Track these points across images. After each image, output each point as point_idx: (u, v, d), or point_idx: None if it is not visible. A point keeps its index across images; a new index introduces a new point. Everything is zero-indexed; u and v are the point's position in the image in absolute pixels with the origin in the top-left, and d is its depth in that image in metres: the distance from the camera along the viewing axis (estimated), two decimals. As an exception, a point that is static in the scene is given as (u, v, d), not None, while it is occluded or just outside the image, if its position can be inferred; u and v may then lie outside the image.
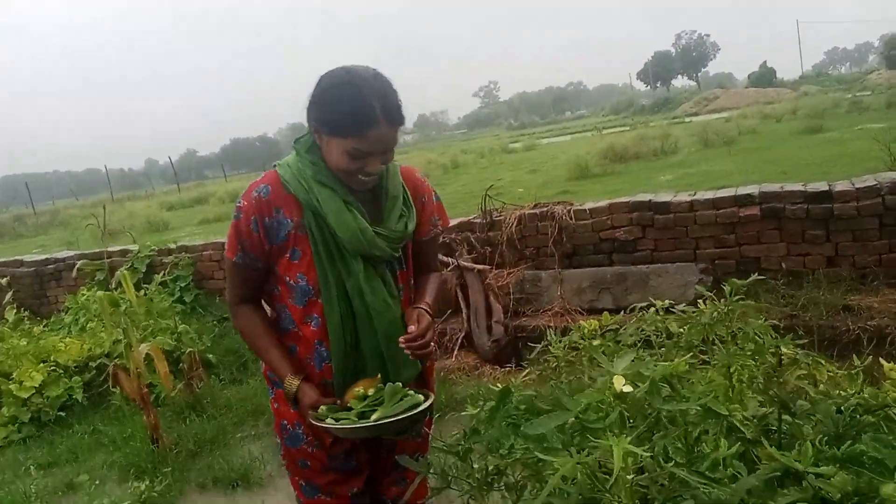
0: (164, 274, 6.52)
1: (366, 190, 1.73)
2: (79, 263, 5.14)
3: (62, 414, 4.86)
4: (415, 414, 1.65)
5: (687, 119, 34.10)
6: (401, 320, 1.80)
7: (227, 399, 4.69)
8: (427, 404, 1.69)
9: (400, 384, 1.72)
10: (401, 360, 1.79)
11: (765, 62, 63.82)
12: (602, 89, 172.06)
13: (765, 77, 60.61)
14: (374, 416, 1.63)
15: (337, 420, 1.66)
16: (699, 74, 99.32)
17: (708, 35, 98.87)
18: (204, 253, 6.75)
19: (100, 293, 3.99)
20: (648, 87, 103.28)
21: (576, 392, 1.48)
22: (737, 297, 2.65)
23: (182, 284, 6.52)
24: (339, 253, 1.71)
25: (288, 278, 1.74)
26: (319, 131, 1.64)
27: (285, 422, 1.89)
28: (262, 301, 1.89)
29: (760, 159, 12.25)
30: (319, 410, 1.68)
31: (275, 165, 1.75)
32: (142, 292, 5.92)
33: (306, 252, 1.72)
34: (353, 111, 1.55)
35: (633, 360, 1.54)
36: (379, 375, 1.76)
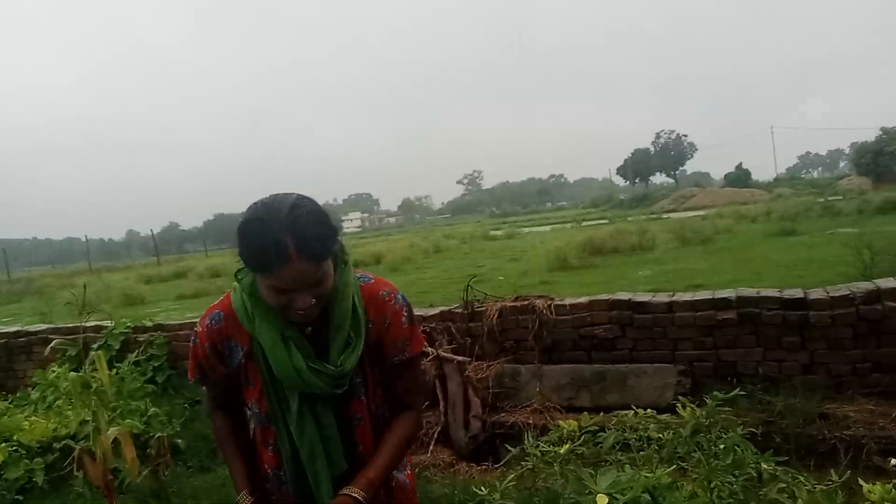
0: (138, 353, 6.41)
1: (310, 321, 1.63)
2: (53, 342, 5.04)
3: (20, 498, 4.66)
4: None
5: (665, 215, 34.93)
6: (331, 463, 1.68)
7: (194, 489, 4.53)
8: None
9: None
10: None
11: (740, 163, 66.03)
12: (582, 182, 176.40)
13: (740, 178, 62.57)
14: None
15: None
16: (677, 172, 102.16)
17: (686, 135, 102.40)
18: (180, 332, 6.66)
19: (72, 374, 3.90)
20: (627, 182, 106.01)
21: (557, 508, 1.47)
22: (715, 404, 2.68)
23: (155, 364, 6.40)
24: (281, 387, 1.65)
25: (248, 401, 1.74)
26: (248, 268, 1.57)
27: None
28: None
29: (735, 259, 12.51)
30: None
31: (233, 287, 1.70)
32: (114, 370, 5.79)
33: (257, 381, 1.68)
34: (261, 248, 1.45)
35: (615, 477, 1.56)
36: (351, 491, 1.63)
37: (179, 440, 5.15)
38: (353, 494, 1.60)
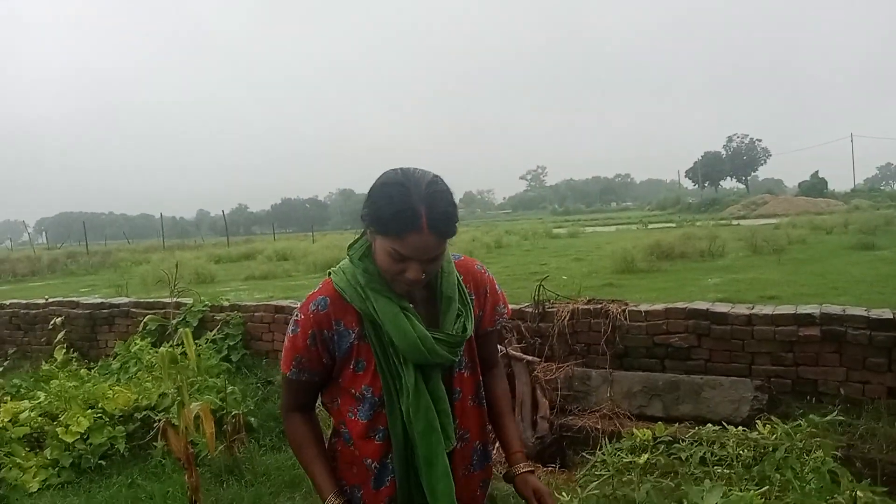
0: (215, 331, 6.64)
1: (421, 292, 1.70)
2: (147, 318, 5.27)
3: (102, 462, 4.90)
4: None
5: (734, 222, 33.93)
6: (446, 437, 1.68)
7: (266, 466, 4.68)
8: None
9: None
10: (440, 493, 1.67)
11: (816, 172, 63.57)
12: (649, 183, 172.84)
13: (815, 187, 60.29)
14: None
15: None
16: (748, 178, 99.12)
17: (760, 140, 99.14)
18: (255, 314, 6.87)
19: (162, 349, 4.08)
20: (696, 185, 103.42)
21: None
22: (807, 426, 2.61)
23: (231, 343, 6.62)
24: (398, 362, 1.65)
25: (353, 390, 1.68)
26: (369, 228, 1.61)
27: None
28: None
29: (811, 272, 12.06)
30: None
31: (329, 273, 1.71)
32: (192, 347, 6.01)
33: (370, 362, 1.66)
34: (397, 212, 1.51)
35: (723, 495, 1.55)
36: None
37: (253, 419, 5.32)
38: (529, 470, 1.76)
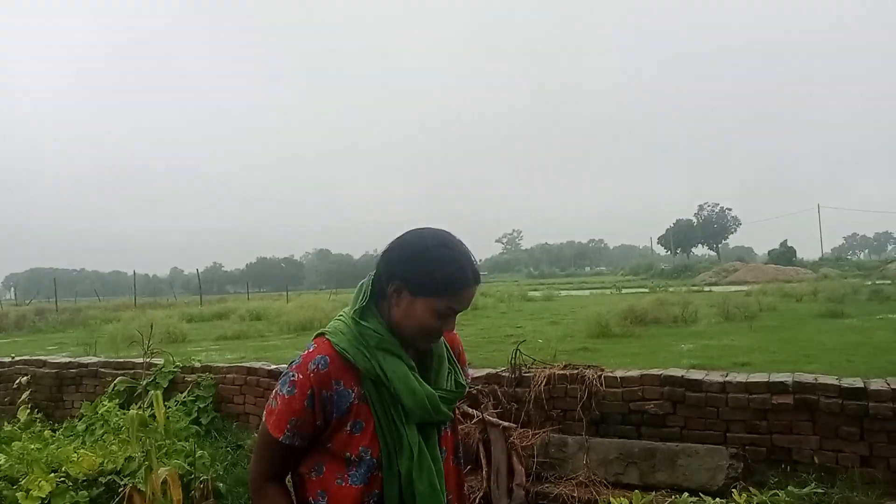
0: (186, 393, 6.51)
1: (412, 353, 1.71)
2: (118, 380, 5.18)
3: (63, 530, 4.70)
4: None
5: (706, 288, 34.41)
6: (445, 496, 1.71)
7: (234, 534, 4.54)
8: None
9: None
10: None
11: (785, 241, 65.01)
12: (622, 249, 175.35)
13: (785, 255, 61.55)
14: None
15: None
16: (719, 245, 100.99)
17: (730, 209, 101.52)
18: (227, 376, 6.77)
19: (131, 412, 4.00)
20: (668, 252, 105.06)
21: None
22: (772, 493, 2.63)
23: (201, 405, 6.50)
24: (399, 422, 1.64)
25: (349, 453, 1.62)
26: (405, 291, 1.63)
27: None
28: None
29: (781, 339, 12.20)
30: None
31: (322, 335, 1.69)
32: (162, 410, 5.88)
33: (369, 423, 1.63)
34: (454, 272, 1.61)
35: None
36: None
37: (221, 484, 5.19)
38: None
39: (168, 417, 5.88)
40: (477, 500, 4.85)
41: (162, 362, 7.01)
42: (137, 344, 4.98)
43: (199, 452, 5.13)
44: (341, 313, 1.74)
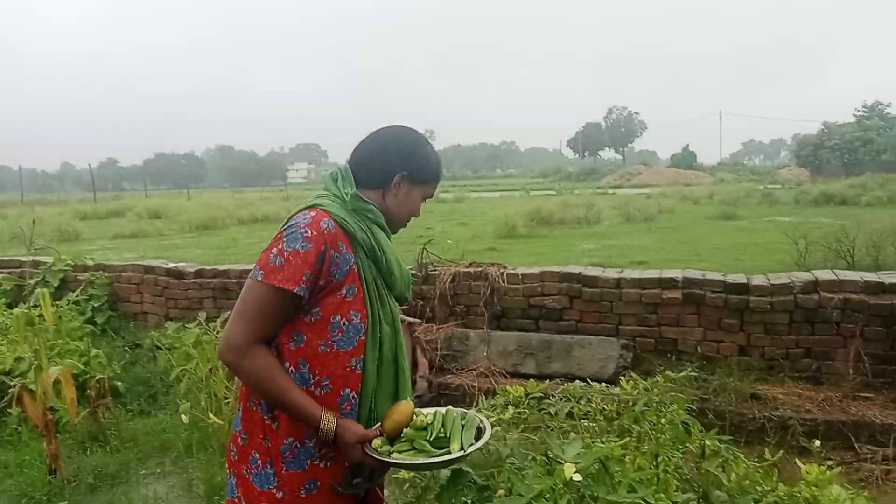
0: (78, 292, 6.24)
1: None
2: (-2, 277, 4.86)
3: (-51, 432, 4.52)
4: (482, 444, 1.66)
5: (611, 191, 35.49)
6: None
7: (134, 432, 4.49)
8: (488, 434, 1.68)
9: (452, 408, 1.78)
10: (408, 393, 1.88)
11: (687, 145, 67.35)
12: (533, 152, 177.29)
13: (686, 160, 63.94)
14: (456, 447, 1.61)
15: (396, 454, 1.62)
16: (625, 149, 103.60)
17: (637, 113, 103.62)
18: (123, 274, 6.52)
19: (16, 311, 3.79)
20: (577, 155, 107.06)
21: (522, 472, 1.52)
22: (664, 381, 2.79)
23: (95, 304, 6.26)
24: (384, 292, 1.79)
25: (339, 317, 1.69)
26: (406, 181, 1.81)
27: (291, 440, 1.72)
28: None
29: (677, 239, 12.87)
30: (374, 444, 1.64)
31: (313, 206, 1.73)
32: (53, 308, 5.63)
33: (360, 289, 1.72)
34: (439, 164, 1.89)
35: (581, 447, 1.62)
36: (409, 399, 1.78)
37: (120, 383, 5.07)
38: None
39: (60, 317, 5.66)
40: (381, 393, 4.97)
41: (51, 260, 6.66)
42: (21, 241, 4.66)
43: (93, 351, 4.97)
44: (322, 193, 1.81)
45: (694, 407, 4.27)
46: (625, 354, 4.82)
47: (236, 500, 1.78)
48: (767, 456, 2.36)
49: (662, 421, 2.24)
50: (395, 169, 1.78)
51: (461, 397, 4.71)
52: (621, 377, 3.91)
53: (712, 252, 10.72)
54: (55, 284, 6.42)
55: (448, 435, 1.65)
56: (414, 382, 4.86)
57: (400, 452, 1.62)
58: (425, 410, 1.75)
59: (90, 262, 6.75)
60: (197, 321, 4.35)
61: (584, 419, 3.15)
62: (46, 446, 3.80)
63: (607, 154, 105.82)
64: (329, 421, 1.64)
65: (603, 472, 1.64)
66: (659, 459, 2.08)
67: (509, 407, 2.72)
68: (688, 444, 2.32)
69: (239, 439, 1.77)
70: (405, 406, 1.69)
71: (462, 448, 1.60)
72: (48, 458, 3.80)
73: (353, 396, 1.71)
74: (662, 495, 1.90)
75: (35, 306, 4.00)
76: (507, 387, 3.55)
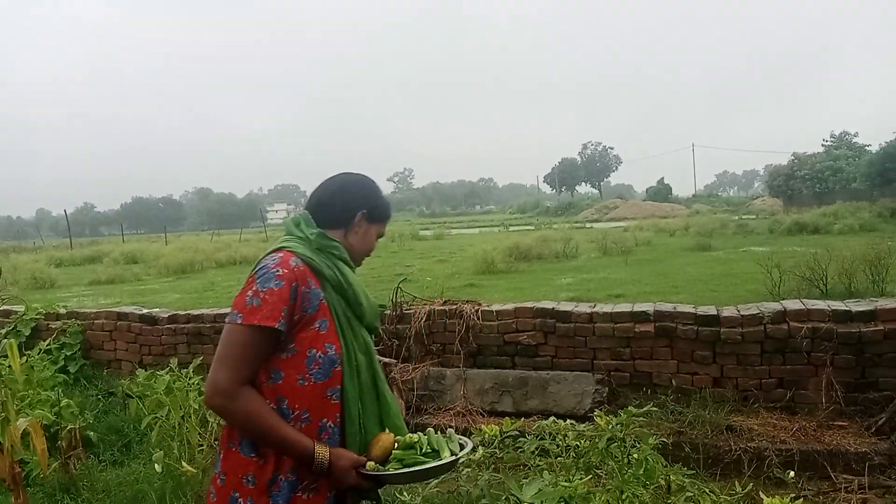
0: (49, 341, 6.16)
1: None
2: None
3: (-86, 489, 4.41)
4: (469, 451, 1.84)
5: (588, 225, 35.79)
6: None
7: (106, 482, 4.41)
8: (470, 446, 1.86)
9: (432, 430, 1.93)
10: (396, 421, 1.96)
11: (662, 178, 68.32)
12: (511, 188, 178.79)
13: (661, 192, 64.80)
14: (446, 455, 1.77)
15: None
16: (602, 183, 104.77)
17: (612, 148, 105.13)
18: (95, 321, 6.45)
19: (-19, 362, 3.74)
20: (554, 190, 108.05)
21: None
22: (629, 416, 2.81)
23: (68, 353, 6.18)
24: (355, 324, 1.89)
25: (315, 350, 1.77)
26: (365, 220, 1.99)
27: (276, 474, 1.78)
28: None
29: (653, 271, 12.93)
30: (369, 465, 1.76)
31: (280, 248, 1.86)
32: (24, 358, 5.55)
33: (331, 322, 1.82)
34: (389, 204, 2.08)
35: (540, 486, 1.63)
36: (387, 430, 1.89)
37: (92, 433, 4.99)
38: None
39: (32, 367, 5.57)
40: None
41: (23, 309, 6.58)
42: (3, 292, 4.61)
43: (64, 401, 4.89)
44: (286, 237, 1.92)
45: (668, 440, 4.31)
46: (600, 389, 4.83)
47: None
48: (738, 489, 2.38)
49: (628, 457, 2.25)
50: (356, 208, 1.96)
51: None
52: (594, 412, 3.92)
53: (688, 283, 10.79)
54: (27, 333, 6.35)
55: (436, 448, 1.80)
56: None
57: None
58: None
59: (62, 310, 6.68)
60: (168, 367, 4.31)
61: (558, 457, 3.16)
62: (14, 501, 3.71)
63: (584, 189, 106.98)
64: (322, 451, 1.73)
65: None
66: (624, 496, 2.09)
67: (480, 447, 2.72)
68: (657, 479, 2.34)
69: (218, 480, 1.81)
70: (388, 435, 1.84)
71: (453, 454, 1.77)
72: (16, 512, 3.71)
73: (331, 426, 1.79)
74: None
75: (3, 357, 3.94)
76: (483, 426, 3.55)
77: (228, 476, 1.79)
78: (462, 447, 1.83)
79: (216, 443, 3.79)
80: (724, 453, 4.27)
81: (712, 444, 4.33)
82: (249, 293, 1.72)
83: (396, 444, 1.81)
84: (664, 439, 4.22)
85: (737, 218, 30.99)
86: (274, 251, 1.84)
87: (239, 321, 1.70)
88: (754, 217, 32.96)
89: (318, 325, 1.79)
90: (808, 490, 4.03)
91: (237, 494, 1.77)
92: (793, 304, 4.79)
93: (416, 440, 1.82)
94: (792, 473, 3.56)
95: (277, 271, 1.74)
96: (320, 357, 1.78)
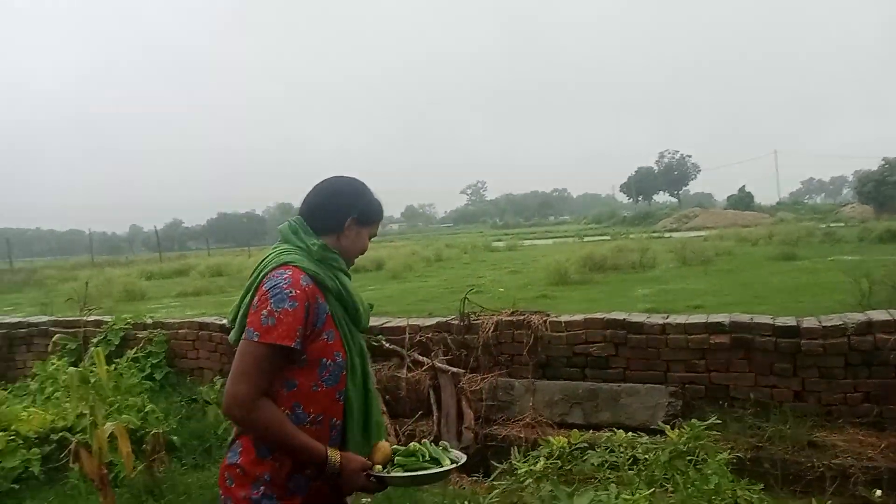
0: (137, 349, 6.48)
1: None
2: (55, 337, 5.11)
3: (16, 486, 4.72)
4: (462, 463, 2.02)
5: (666, 234, 34.92)
6: None
7: (188, 485, 4.59)
8: (464, 459, 2.04)
9: (427, 441, 2.07)
10: (377, 418, 2.10)
11: (743, 186, 66.00)
12: (585, 198, 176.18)
13: (743, 201, 62.57)
14: (447, 463, 1.97)
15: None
16: (680, 192, 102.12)
17: (690, 155, 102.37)
18: (180, 331, 6.74)
19: (71, 369, 3.97)
20: (630, 199, 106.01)
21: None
22: (701, 428, 2.73)
23: (154, 361, 6.48)
24: (352, 329, 2.02)
25: (325, 359, 1.91)
26: (356, 223, 2.05)
27: (291, 473, 1.91)
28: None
29: (735, 282, 12.50)
30: (376, 469, 1.92)
31: (285, 263, 1.92)
32: (112, 366, 5.86)
33: (336, 331, 1.95)
34: (380, 205, 2.12)
35: (593, 498, 1.61)
36: (384, 440, 2.05)
37: (175, 437, 5.21)
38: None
39: (121, 374, 5.87)
40: (427, 445, 4.97)
41: (112, 319, 6.94)
42: (74, 302, 4.89)
43: (149, 407, 5.14)
44: (286, 248, 1.99)
45: (746, 456, 4.16)
46: (674, 402, 4.71)
47: None
48: (814, 506, 2.29)
49: (694, 471, 2.19)
50: (346, 213, 2.03)
51: (508, 449, 4.66)
52: (667, 426, 3.83)
53: (772, 294, 10.38)
54: (116, 342, 6.69)
55: (435, 457, 1.99)
56: (460, 434, 4.85)
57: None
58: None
59: (149, 321, 7.01)
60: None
61: (630, 470, 3.10)
62: (102, 500, 3.92)
63: (662, 198, 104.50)
64: (335, 456, 1.87)
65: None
66: (688, 510, 2.04)
67: (541, 459, 2.70)
68: (726, 494, 2.26)
69: (238, 470, 1.89)
70: (386, 443, 2.03)
71: (452, 462, 1.97)
72: (104, 512, 3.92)
73: (338, 424, 1.96)
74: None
75: (92, 364, 4.17)
76: (550, 438, 3.53)
77: (247, 469, 1.88)
78: (456, 459, 2.01)
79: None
80: (805, 470, 4.09)
81: (793, 460, 4.16)
82: (264, 312, 1.82)
83: (395, 453, 2.01)
84: (740, 454, 4.09)
85: (824, 226, 29.57)
86: (281, 266, 1.91)
87: (256, 339, 1.80)
88: (843, 225, 31.43)
89: (326, 336, 1.91)
90: (899, 511, 3.82)
91: (261, 484, 1.87)
92: (879, 315, 4.56)
93: (417, 449, 2.00)
94: (879, 492, 3.38)
95: (291, 292, 1.84)
96: (330, 365, 1.92)
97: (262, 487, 1.87)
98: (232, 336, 1.98)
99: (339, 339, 1.95)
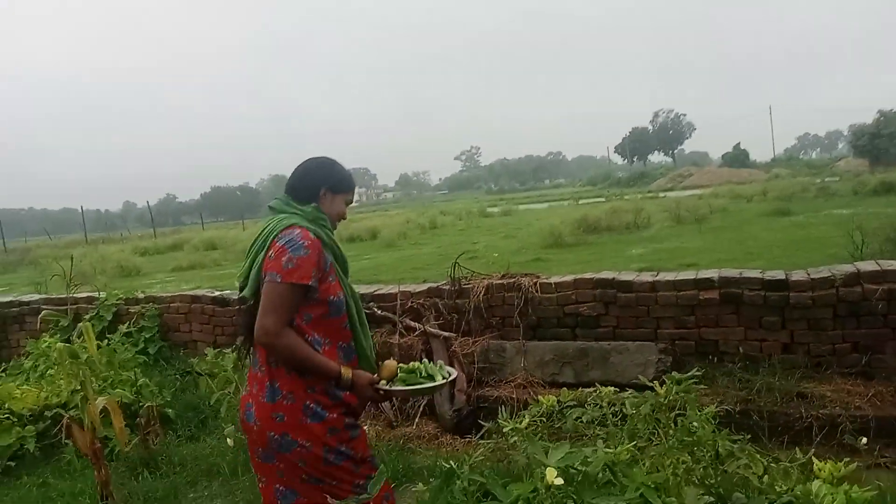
0: (129, 324, 6.47)
1: None
2: (42, 313, 5.10)
3: (11, 464, 4.75)
4: (453, 378, 2.54)
5: (661, 194, 34.86)
6: None
7: (183, 456, 4.62)
8: (455, 374, 2.56)
9: (426, 361, 2.57)
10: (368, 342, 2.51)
11: (738, 143, 65.75)
12: (580, 160, 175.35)
13: (738, 158, 62.39)
14: (440, 379, 2.44)
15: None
16: (675, 152, 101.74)
17: (685, 114, 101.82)
18: (171, 305, 6.73)
19: (59, 344, 3.97)
20: (625, 161, 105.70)
21: (511, 479, 1.53)
22: (690, 381, 2.73)
23: (147, 335, 6.48)
24: (344, 276, 2.42)
25: (331, 296, 2.30)
26: (329, 192, 2.43)
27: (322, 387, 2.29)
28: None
29: (729, 238, 12.53)
30: (381, 384, 2.37)
31: (292, 224, 2.30)
32: (105, 341, 5.86)
33: (335, 276, 2.35)
34: (349, 175, 2.53)
35: (569, 451, 1.61)
36: (392, 360, 2.52)
37: (169, 410, 5.23)
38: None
39: (114, 350, 5.87)
40: (421, 407, 5.00)
41: (104, 295, 6.93)
42: (61, 279, 4.87)
43: (141, 380, 5.15)
44: (286, 215, 2.37)
45: (735, 408, 4.19)
46: (664, 358, 4.73)
47: (299, 449, 2.24)
48: (798, 456, 2.29)
49: (668, 424, 2.20)
50: (319, 185, 2.42)
51: (499, 409, 4.70)
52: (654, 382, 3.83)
53: (765, 250, 10.40)
54: (108, 318, 6.68)
55: (430, 373, 2.45)
56: (452, 397, 4.88)
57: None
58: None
59: (141, 296, 7.00)
60: (233, 346, 4.46)
61: (616, 426, 3.12)
62: (96, 474, 3.94)
63: (657, 158, 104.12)
64: (347, 372, 2.29)
65: (609, 476, 1.63)
66: (668, 462, 2.04)
67: (526, 417, 2.71)
68: (707, 448, 2.27)
69: (285, 401, 2.25)
70: (392, 362, 2.47)
71: (444, 377, 2.45)
72: (99, 485, 3.95)
73: (344, 346, 2.37)
74: (673, 499, 1.87)
75: (82, 339, 4.16)
76: (540, 397, 3.54)
77: (294, 393, 2.25)
78: (450, 374, 2.50)
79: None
80: (794, 421, 4.12)
81: (781, 411, 4.18)
82: (285, 259, 2.20)
83: (399, 370, 2.44)
84: (728, 407, 4.12)
85: (819, 181, 29.54)
86: (290, 227, 2.29)
87: (279, 280, 2.19)
88: (838, 179, 31.39)
89: (331, 279, 2.32)
90: (885, 458, 3.85)
91: (308, 402, 2.25)
92: (867, 266, 4.55)
93: (416, 367, 2.47)
94: (865, 440, 3.40)
95: (304, 242, 2.24)
96: (335, 301, 2.32)
97: (309, 405, 2.24)
98: (246, 291, 2.33)
99: (338, 281, 2.35)
